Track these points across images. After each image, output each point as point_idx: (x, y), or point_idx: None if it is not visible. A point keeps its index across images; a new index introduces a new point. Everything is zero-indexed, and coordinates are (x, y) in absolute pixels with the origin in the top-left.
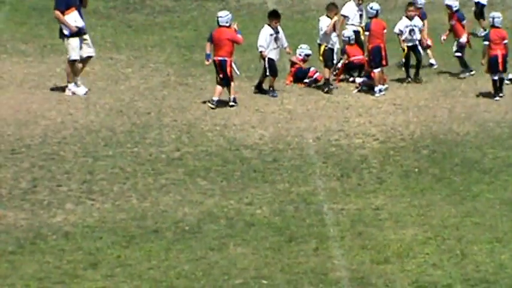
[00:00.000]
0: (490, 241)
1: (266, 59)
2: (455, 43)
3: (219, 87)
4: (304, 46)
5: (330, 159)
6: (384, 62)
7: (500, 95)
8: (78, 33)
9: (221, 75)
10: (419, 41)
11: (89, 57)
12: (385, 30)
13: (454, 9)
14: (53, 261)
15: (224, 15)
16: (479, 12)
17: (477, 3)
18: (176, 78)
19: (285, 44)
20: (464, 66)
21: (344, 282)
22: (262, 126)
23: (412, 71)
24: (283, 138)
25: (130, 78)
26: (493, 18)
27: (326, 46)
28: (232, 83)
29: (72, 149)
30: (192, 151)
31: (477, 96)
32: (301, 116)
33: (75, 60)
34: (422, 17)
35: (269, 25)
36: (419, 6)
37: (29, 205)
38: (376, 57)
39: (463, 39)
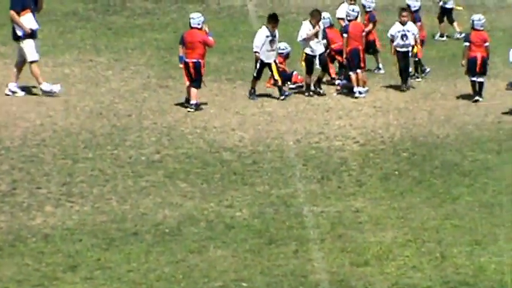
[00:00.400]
0: (469, 244)
1: (259, 60)
2: None
3: (193, 90)
4: (282, 45)
5: (310, 162)
6: (362, 65)
7: (479, 99)
8: (32, 35)
9: (194, 77)
10: (412, 47)
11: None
12: (363, 33)
13: (413, 9)
14: (32, 264)
15: (196, 17)
16: (448, 15)
17: (442, 8)
18: (156, 81)
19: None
20: (419, 70)
21: (324, 284)
22: (242, 129)
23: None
24: (263, 141)
25: (111, 81)
26: (473, 20)
27: (306, 53)
28: (199, 87)
29: (51, 151)
30: (172, 153)
31: (457, 98)
32: (282, 118)
33: (34, 61)
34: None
35: (267, 27)
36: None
37: (8, 207)
38: (355, 60)
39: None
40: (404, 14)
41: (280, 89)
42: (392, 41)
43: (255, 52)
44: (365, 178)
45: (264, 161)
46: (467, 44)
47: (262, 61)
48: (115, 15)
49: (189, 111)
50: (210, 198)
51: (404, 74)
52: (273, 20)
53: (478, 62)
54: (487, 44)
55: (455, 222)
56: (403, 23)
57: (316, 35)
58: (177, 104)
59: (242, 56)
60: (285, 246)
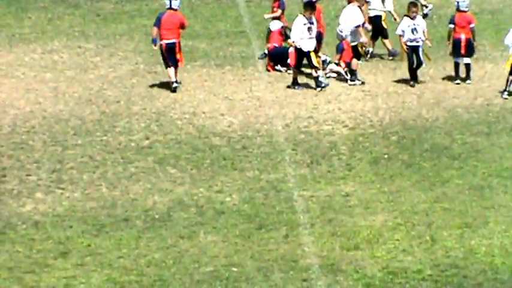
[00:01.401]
0: (459, 226)
1: (294, 48)
2: None
3: (171, 70)
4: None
5: (300, 146)
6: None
7: (468, 81)
8: None
9: (170, 57)
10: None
11: None
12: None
13: None
14: (23, 251)
15: None
16: None
17: None
18: (145, 67)
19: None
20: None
21: (314, 269)
22: (231, 114)
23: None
24: (252, 126)
25: (99, 67)
26: (458, 2)
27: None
28: (178, 67)
29: (41, 138)
30: (162, 139)
31: (446, 81)
32: (271, 103)
33: None
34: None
35: (303, 15)
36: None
37: None
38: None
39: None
40: (414, 9)
41: (316, 79)
42: (401, 36)
43: (293, 42)
44: (355, 162)
45: (254, 146)
46: (451, 26)
47: (300, 49)
48: (103, 2)
49: (173, 91)
50: (199, 184)
51: (414, 69)
52: (309, 7)
53: (463, 43)
54: (472, 25)
55: (445, 205)
56: (413, 18)
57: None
58: (166, 90)
59: (231, 41)
60: (275, 231)
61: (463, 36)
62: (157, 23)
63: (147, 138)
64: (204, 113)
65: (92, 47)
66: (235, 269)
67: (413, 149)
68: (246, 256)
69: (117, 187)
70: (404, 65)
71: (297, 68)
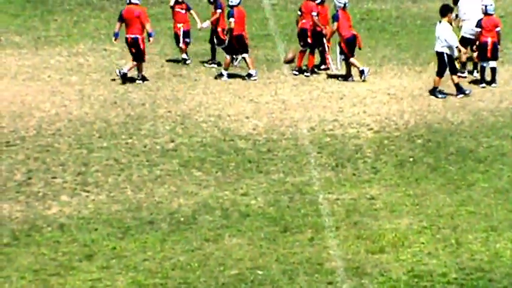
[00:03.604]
0: (485, 230)
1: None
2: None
3: (134, 63)
4: None
5: (325, 149)
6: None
7: (494, 85)
8: None
9: (134, 52)
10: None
11: None
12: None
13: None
14: (48, 253)
15: None
16: None
17: None
18: (170, 70)
19: None
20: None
21: (339, 272)
22: (256, 117)
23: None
24: (277, 129)
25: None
26: (486, 6)
27: None
28: (143, 61)
29: (66, 141)
30: (187, 142)
31: (471, 85)
32: (296, 106)
33: None
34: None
35: (446, 21)
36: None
37: (24, 197)
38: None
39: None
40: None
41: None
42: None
43: (456, 47)
44: (380, 165)
45: (279, 148)
46: (479, 29)
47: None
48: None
49: (137, 82)
50: (225, 187)
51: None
52: (450, 10)
53: (489, 47)
54: (498, 28)
55: (470, 208)
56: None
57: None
58: (191, 93)
59: (255, 44)
60: (300, 234)
61: (489, 40)
62: (120, 18)
63: (172, 141)
64: (229, 115)
65: (117, 49)
66: (260, 272)
67: (439, 152)
68: (271, 259)
69: (142, 190)
70: (430, 68)
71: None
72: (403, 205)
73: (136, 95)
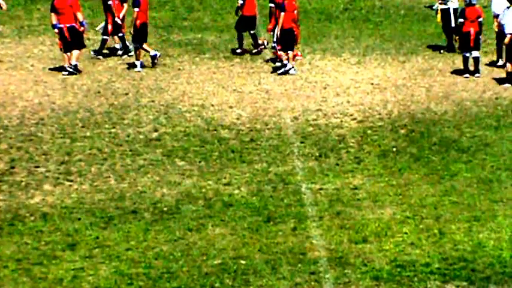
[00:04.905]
0: (467, 220)
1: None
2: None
3: (76, 51)
4: None
5: (308, 139)
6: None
7: (477, 75)
8: None
9: (73, 40)
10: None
11: None
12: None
13: None
14: (31, 243)
15: None
16: None
17: None
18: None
19: None
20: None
21: (322, 261)
22: (239, 106)
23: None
24: (260, 118)
25: (108, 59)
26: None
27: None
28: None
29: (49, 130)
30: (170, 132)
31: (455, 75)
32: (279, 95)
33: None
34: None
35: None
36: None
37: (7, 186)
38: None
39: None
40: None
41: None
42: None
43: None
44: (363, 155)
45: (262, 138)
46: (461, 20)
47: None
48: None
49: (64, 74)
50: (208, 176)
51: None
52: None
53: (472, 37)
54: (481, 19)
55: (453, 198)
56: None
57: None
58: (174, 82)
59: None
60: (283, 224)
61: (472, 30)
62: (53, 9)
63: (156, 131)
64: (212, 105)
65: (100, 39)
66: (243, 262)
67: (422, 143)
68: (254, 249)
69: (125, 179)
70: (413, 58)
71: None
72: (386, 195)
73: (120, 85)
